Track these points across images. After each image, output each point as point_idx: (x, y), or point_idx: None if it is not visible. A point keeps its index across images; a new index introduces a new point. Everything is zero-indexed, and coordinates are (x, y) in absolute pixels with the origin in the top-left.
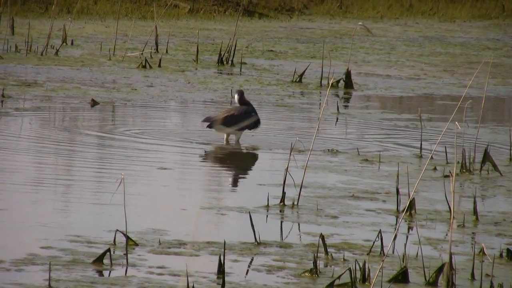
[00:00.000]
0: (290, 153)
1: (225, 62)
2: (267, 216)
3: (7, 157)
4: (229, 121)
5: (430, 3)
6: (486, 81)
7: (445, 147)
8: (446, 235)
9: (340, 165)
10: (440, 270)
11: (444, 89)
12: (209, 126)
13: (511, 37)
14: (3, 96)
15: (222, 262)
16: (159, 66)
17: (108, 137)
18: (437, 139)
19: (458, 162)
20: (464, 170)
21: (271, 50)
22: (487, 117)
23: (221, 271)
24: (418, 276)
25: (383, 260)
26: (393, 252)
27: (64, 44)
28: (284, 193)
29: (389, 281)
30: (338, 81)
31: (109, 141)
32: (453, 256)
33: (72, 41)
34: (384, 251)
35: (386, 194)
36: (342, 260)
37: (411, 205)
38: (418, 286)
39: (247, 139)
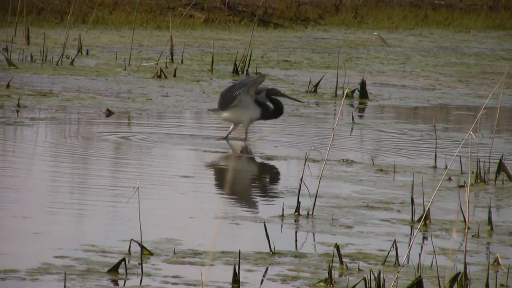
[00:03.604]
0: (305, 163)
1: (240, 72)
2: (281, 225)
3: (22, 166)
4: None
5: (445, 14)
6: (501, 91)
7: (460, 157)
8: (461, 245)
9: (355, 175)
10: (454, 280)
11: (459, 99)
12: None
13: None
14: (18, 105)
15: (237, 271)
16: (174, 76)
17: (123, 147)
18: (452, 149)
19: (473, 172)
20: (479, 180)
21: (286, 60)
22: (502, 127)
23: (236, 280)
24: (433, 286)
25: (398, 271)
26: (408, 262)
27: (80, 54)
28: (299, 202)
29: None
30: (353, 91)
31: (124, 150)
32: (467, 266)
33: (87, 51)
34: (399, 261)
35: (401, 204)
36: (357, 270)
37: (426, 215)
38: None
39: (262, 147)
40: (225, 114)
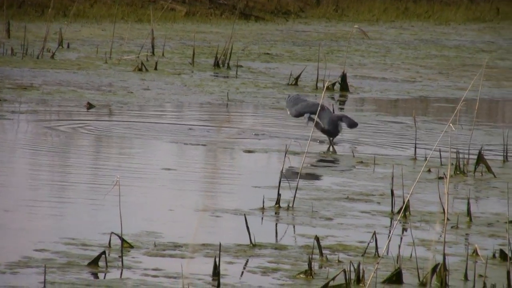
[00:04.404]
0: (285, 155)
1: (221, 65)
2: (262, 218)
3: (2, 159)
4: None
5: (425, 6)
6: (480, 84)
7: (440, 149)
8: (440, 236)
9: (335, 167)
10: (433, 271)
11: (439, 92)
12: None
13: (505, 39)
14: None
15: (217, 264)
16: (156, 69)
17: (104, 140)
18: (432, 141)
19: (452, 164)
20: (458, 172)
21: (267, 53)
22: (481, 119)
23: (216, 273)
24: (412, 277)
25: (378, 262)
26: (387, 254)
27: (60, 47)
28: (279, 195)
29: (383, 282)
30: (334, 84)
31: (105, 143)
32: (446, 257)
33: (68, 44)
34: (379, 253)
35: (381, 196)
36: (337, 261)
37: (406, 206)
38: (412, 287)
39: (245, 141)
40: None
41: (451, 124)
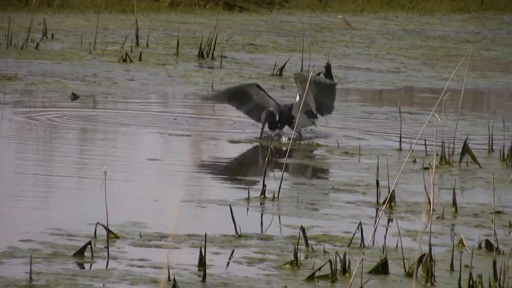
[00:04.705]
0: (270, 146)
1: (205, 56)
2: (247, 208)
3: None
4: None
5: None
6: (465, 74)
7: (425, 139)
8: (426, 226)
9: (321, 158)
10: (419, 261)
11: (424, 82)
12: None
13: (490, 30)
14: None
15: (203, 254)
16: (140, 59)
17: (89, 130)
18: (417, 132)
19: (437, 155)
20: (443, 162)
21: (252, 44)
22: (467, 110)
23: (202, 263)
24: (398, 267)
25: (363, 253)
26: (373, 244)
27: (45, 38)
28: (264, 185)
29: (369, 273)
30: (318, 74)
31: (90, 134)
32: (432, 248)
33: (52, 35)
34: (364, 243)
35: (366, 186)
36: (323, 252)
37: (391, 197)
38: (398, 277)
39: (228, 132)
40: None
41: (436, 115)
